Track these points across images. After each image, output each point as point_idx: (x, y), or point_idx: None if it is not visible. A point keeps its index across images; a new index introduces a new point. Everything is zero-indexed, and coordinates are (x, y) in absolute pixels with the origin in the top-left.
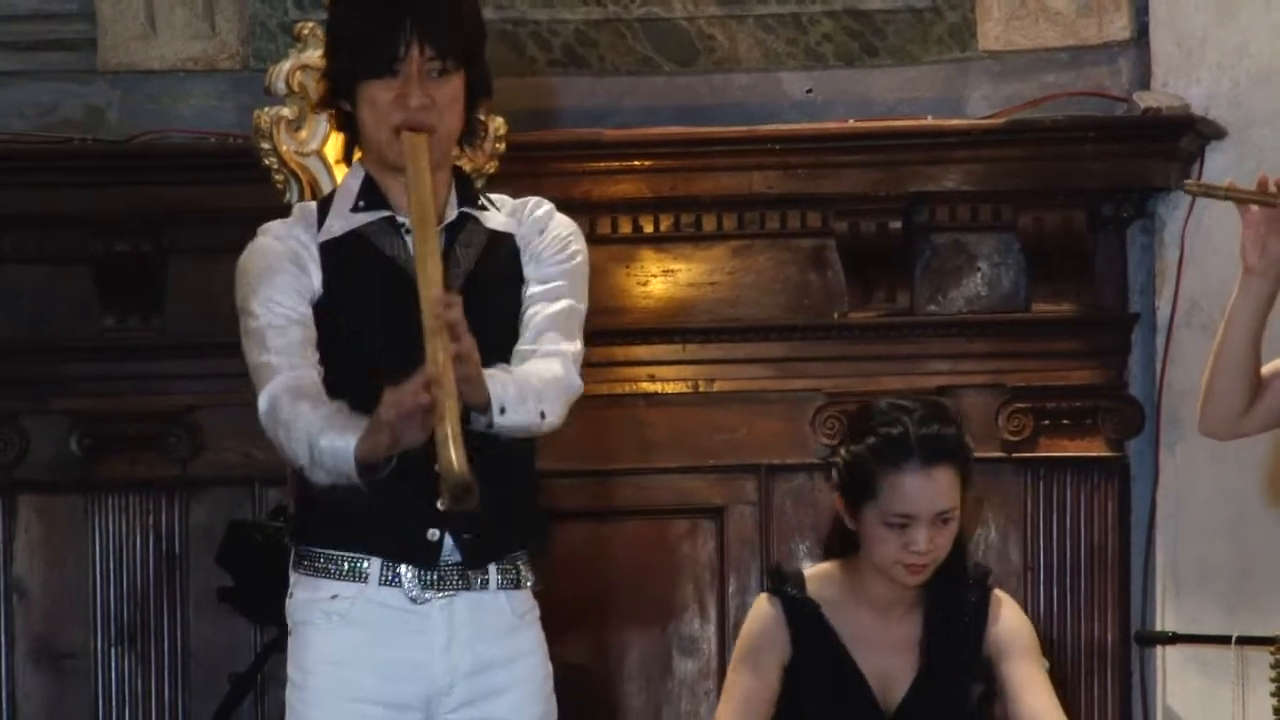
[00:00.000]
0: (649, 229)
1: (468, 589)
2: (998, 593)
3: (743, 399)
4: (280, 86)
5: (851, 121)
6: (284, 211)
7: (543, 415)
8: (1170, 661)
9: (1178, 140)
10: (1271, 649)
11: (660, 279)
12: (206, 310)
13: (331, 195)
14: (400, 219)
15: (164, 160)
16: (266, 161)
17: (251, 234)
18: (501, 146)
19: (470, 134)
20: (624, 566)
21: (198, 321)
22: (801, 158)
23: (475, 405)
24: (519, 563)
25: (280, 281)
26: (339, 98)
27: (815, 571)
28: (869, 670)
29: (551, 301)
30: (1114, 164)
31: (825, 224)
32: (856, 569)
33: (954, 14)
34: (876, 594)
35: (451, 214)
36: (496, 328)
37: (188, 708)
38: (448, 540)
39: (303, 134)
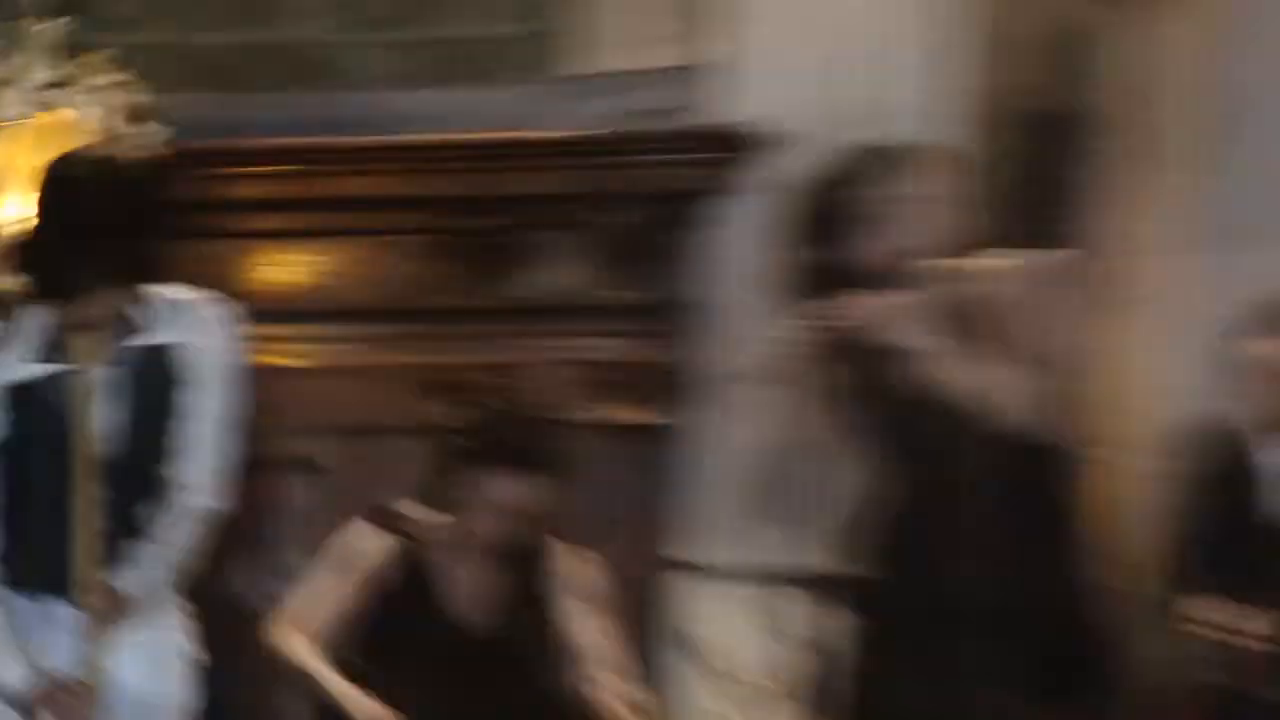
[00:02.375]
0: (278, 225)
1: None
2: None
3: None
4: None
5: (454, 133)
6: None
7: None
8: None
9: (736, 151)
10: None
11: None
12: None
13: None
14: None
15: None
16: None
17: None
18: None
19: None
20: None
21: None
22: (412, 164)
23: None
24: None
25: None
26: None
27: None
28: None
29: (195, 416)
30: (682, 171)
31: (434, 222)
32: None
33: (550, 42)
34: None
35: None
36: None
37: None
38: None
39: None
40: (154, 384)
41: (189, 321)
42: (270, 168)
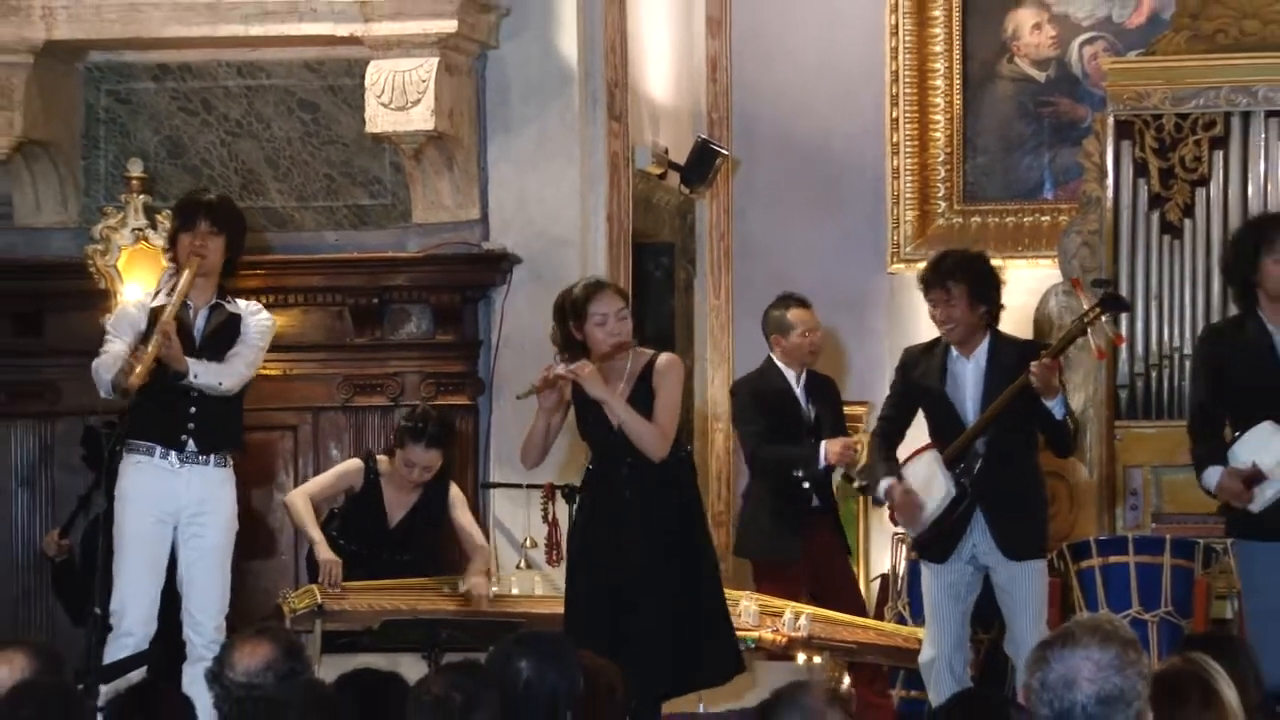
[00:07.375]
0: (267, 301)
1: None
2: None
3: None
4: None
5: (354, 254)
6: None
7: (220, 384)
8: (495, 496)
9: (499, 264)
10: (542, 493)
11: None
12: None
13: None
14: (189, 303)
15: None
16: None
17: None
18: None
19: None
20: None
21: None
22: (331, 269)
23: (179, 369)
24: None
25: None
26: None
27: None
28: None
29: (243, 341)
30: (473, 275)
31: (344, 299)
32: None
33: (400, 204)
34: None
35: (212, 300)
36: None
37: None
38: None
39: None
40: (226, 329)
41: (245, 309)
42: (264, 270)
